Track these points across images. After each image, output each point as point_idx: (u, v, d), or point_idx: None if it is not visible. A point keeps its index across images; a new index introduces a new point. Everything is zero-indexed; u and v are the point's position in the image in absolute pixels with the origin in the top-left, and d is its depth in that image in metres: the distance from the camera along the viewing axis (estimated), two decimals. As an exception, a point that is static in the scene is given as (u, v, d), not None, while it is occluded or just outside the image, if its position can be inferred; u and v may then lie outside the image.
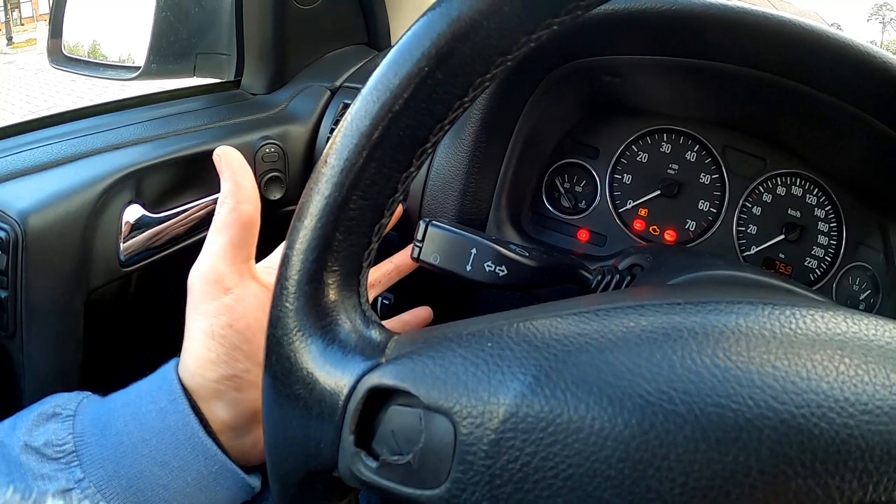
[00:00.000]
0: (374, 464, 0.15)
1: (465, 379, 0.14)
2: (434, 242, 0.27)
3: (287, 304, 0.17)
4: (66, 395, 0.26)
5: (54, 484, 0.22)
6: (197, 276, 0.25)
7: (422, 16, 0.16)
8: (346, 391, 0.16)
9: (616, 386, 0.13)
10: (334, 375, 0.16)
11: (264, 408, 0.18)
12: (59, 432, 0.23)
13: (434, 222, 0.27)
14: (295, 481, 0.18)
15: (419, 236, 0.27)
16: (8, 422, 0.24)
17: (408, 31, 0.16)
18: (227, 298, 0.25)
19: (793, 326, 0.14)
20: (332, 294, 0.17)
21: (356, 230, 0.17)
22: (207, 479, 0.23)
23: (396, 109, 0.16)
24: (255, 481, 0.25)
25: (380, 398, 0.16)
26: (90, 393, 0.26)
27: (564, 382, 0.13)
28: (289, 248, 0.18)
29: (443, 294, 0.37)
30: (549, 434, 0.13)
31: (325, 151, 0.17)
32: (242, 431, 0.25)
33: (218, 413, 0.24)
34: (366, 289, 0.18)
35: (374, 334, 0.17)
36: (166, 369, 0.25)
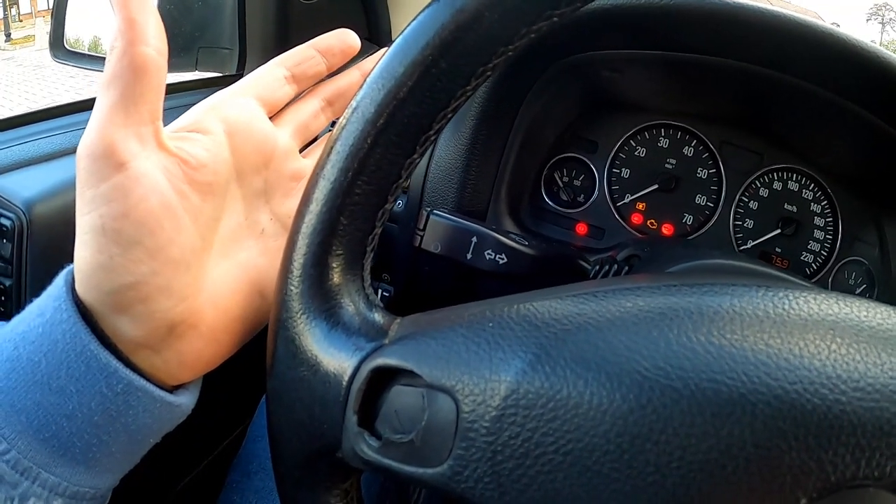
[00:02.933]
0: (376, 443, 0.15)
1: (466, 358, 0.14)
2: (435, 231, 0.27)
3: (292, 287, 0.18)
4: None
5: None
6: (81, 151, 0.18)
7: (426, 6, 0.16)
8: (349, 372, 0.16)
9: (614, 363, 0.13)
10: (338, 357, 0.17)
11: (267, 390, 0.19)
12: None
13: (435, 211, 0.28)
14: (298, 463, 0.18)
15: (421, 225, 0.27)
16: None
17: (412, 21, 0.16)
18: (121, 177, 0.18)
19: (786, 307, 0.14)
20: (337, 277, 0.18)
21: (361, 215, 0.17)
22: (115, 403, 0.19)
23: (401, 97, 0.16)
24: (181, 399, 0.21)
25: (383, 378, 0.16)
26: None
27: (564, 360, 0.13)
28: (294, 232, 0.18)
29: (442, 284, 0.37)
30: (550, 410, 0.13)
31: (330, 137, 0.17)
32: (160, 347, 0.20)
33: (124, 330, 0.19)
34: (369, 273, 0.19)
35: (377, 317, 0.18)
36: (59, 275, 0.20)
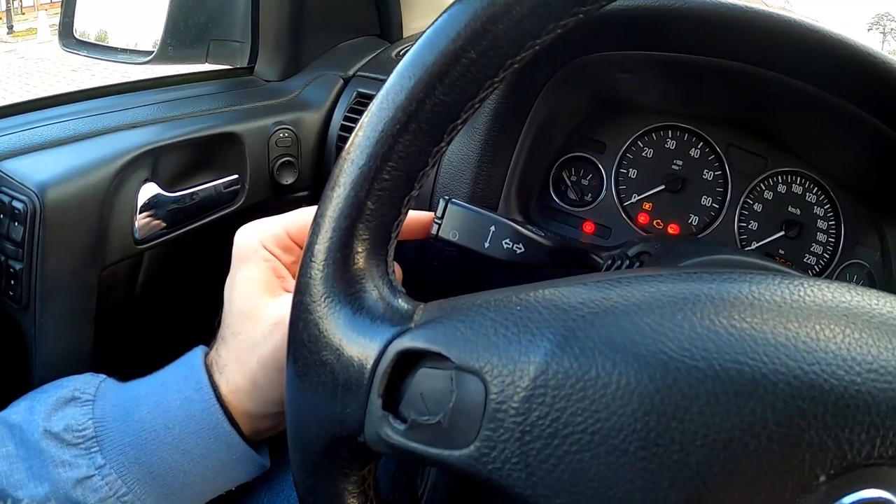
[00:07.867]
0: (402, 426, 0.16)
1: (495, 340, 0.15)
2: (454, 219, 0.27)
3: (316, 271, 0.18)
4: (82, 377, 0.26)
5: (75, 471, 0.22)
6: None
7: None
8: (374, 356, 0.16)
9: (641, 344, 0.13)
10: (363, 341, 0.17)
11: (287, 376, 0.19)
12: (79, 417, 0.23)
13: (454, 200, 0.28)
14: (318, 450, 0.18)
15: (439, 213, 0.28)
16: (23, 403, 0.24)
17: (443, 13, 0.17)
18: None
19: (801, 294, 0.15)
20: (361, 262, 0.18)
21: (387, 200, 0.17)
22: (227, 465, 0.24)
23: (431, 84, 0.16)
24: (266, 460, 0.25)
25: (409, 362, 0.16)
26: (106, 376, 0.26)
27: (592, 341, 0.14)
28: (319, 216, 0.18)
29: (451, 277, 0.37)
30: (579, 390, 0.13)
31: (359, 123, 0.18)
32: (265, 419, 0.25)
33: (244, 405, 0.24)
34: (392, 259, 0.19)
35: (401, 303, 0.18)
36: (193, 360, 0.25)
